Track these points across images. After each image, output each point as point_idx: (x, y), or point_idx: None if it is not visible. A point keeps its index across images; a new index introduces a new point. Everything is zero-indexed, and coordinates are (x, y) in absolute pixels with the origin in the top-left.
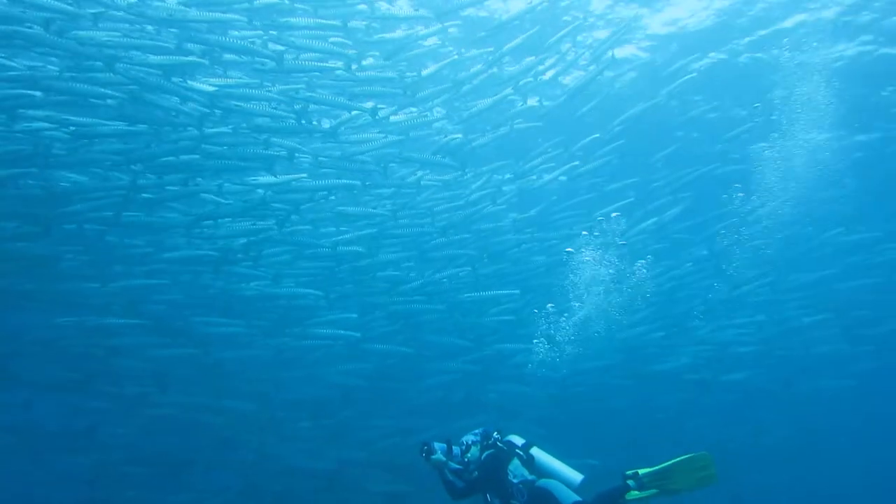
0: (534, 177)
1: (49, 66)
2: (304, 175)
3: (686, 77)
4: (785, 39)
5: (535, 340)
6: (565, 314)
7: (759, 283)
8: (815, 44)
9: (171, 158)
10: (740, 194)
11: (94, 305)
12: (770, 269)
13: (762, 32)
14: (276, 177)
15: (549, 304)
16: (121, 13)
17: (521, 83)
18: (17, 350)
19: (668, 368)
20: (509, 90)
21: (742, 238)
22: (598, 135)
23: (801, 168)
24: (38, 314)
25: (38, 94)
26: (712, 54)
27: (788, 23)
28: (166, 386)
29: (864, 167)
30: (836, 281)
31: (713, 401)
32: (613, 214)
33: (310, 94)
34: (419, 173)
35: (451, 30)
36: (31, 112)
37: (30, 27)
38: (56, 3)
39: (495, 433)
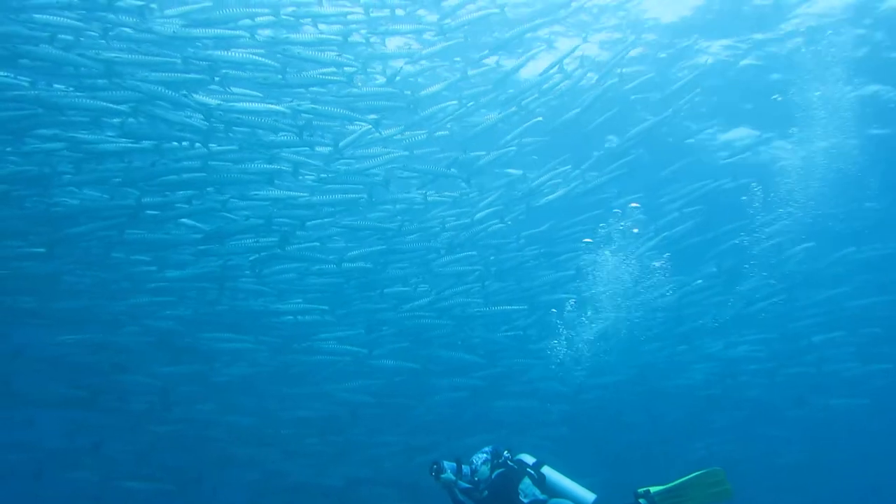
0: (546, 190)
1: (55, 85)
2: (306, 194)
3: (693, 93)
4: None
5: (554, 341)
6: (587, 315)
7: (771, 300)
8: (829, 32)
9: (174, 177)
10: (758, 192)
11: (99, 321)
12: (783, 285)
13: (770, 34)
14: (280, 192)
15: (571, 300)
16: (128, 30)
17: (524, 102)
18: (22, 367)
19: (680, 384)
20: (513, 108)
21: (754, 254)
22: (600, 153)
23: (817, 179)
24: (43, 331)
25: (40, 110)
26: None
27: (798, 20)
28: (172, 403)
29: (883, 175)
30: (849, 298)
31: (725, 418)
32: (633, 205)
33: (313, 106)
34: (425, 190)
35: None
36: (36, 130)
37: (35, 45)
38: (63, 20)
39: (506, 451)
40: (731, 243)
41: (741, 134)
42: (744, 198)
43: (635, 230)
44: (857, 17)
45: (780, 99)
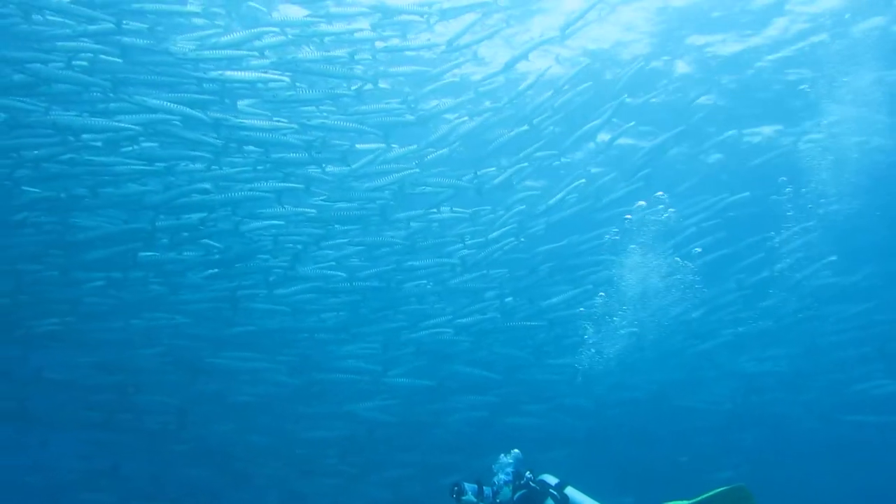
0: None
1: (70, 111)
2: (314, 211)
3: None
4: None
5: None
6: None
7: (797, 315)
8: (847, 16)
9: (186, 199)
10: (788, 190)
11: (116, 343)
12: (810, 301)
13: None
14: (292, 209)
15: (601, 293)
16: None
17: (536, 121)
18: (41, 390)
19: (704, 400)
20: (525, 126)
21: (780, 268)
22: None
23: (846, 183)
24: (62, 353)
25: (56, 136)
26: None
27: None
28: (189, 422)
29: None
30: (878, 312)
31: (751, 436)
32: (658, 193)
33: (322, 121)
34: (443, 208)
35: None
36: (51, 154)
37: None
38: (79, 44)
39: (528, 472)
40: (756, 257)
41: (766, 134)
42: (774, 197)
43: (671, 209)
44: (883, 6)
45: (807, 89)
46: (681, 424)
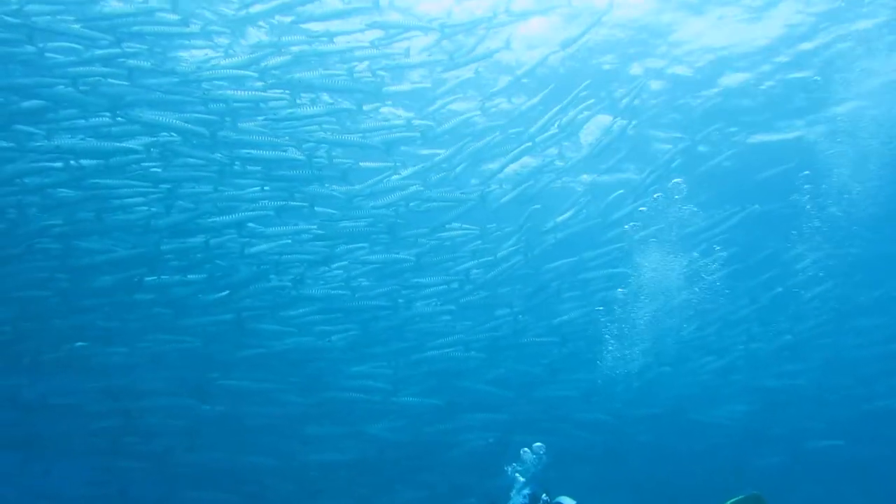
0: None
1: (75, 136)
2: (315, 226)
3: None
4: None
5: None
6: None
7: (818, 330)
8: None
9: (192, 222)
10: (809, 186)
11: (121, 367)
12: (831, 316)
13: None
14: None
15: (620, 289)
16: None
17: (538, 139)
18: (47, 416)
19: (721, 415)
20: (529, 143)
21: (798, 284)
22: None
23: (868, 193)
24: (68, 379)
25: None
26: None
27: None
28: (197, 445)
29: None
30: None
31: (770, 453)
32: (675, 181)
33: (324, 135)
34: (452, 225)
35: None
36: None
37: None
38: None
39: (544, 495)
40: (775, 271)
41: (778, 138)
42: (793, 196)
43: (689, 208)
44: None
45: (818, 80)
46: (699, 440)
